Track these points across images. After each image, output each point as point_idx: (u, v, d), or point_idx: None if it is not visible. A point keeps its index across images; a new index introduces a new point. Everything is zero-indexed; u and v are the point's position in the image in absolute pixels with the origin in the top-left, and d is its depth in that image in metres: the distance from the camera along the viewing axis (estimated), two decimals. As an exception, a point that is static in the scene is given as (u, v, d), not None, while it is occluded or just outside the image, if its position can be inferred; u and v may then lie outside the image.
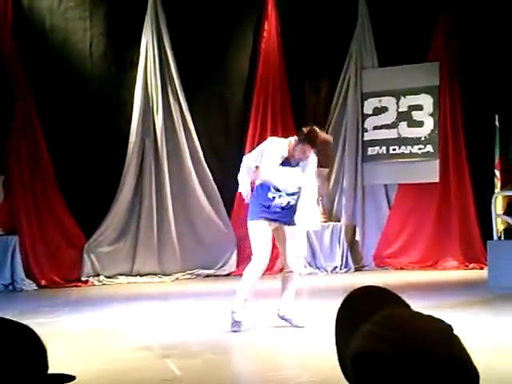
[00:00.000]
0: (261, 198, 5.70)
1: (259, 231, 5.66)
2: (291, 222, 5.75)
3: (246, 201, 5.92)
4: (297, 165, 5.73)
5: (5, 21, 9.59)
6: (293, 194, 5.69)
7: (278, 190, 5.66)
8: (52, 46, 9.91)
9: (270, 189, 5.67)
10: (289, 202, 5.68)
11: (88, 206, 9.87)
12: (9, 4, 9.60)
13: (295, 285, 6.02)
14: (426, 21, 10.61)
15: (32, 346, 1.05)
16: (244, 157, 6.08)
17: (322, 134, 5.83)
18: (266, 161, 5.66)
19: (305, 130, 5.75)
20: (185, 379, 4.67)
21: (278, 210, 5.67)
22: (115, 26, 10.17)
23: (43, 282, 9.65)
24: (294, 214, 5.75)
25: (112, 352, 5.32)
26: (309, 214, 5.87)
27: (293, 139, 5.79)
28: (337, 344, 0.98)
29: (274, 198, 5.67)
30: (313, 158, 5.74)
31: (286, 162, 5.71)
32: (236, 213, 10.72)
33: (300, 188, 5.74)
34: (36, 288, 9.52)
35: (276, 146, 5.73)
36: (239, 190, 6.05)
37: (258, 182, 5.81)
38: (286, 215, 5.72)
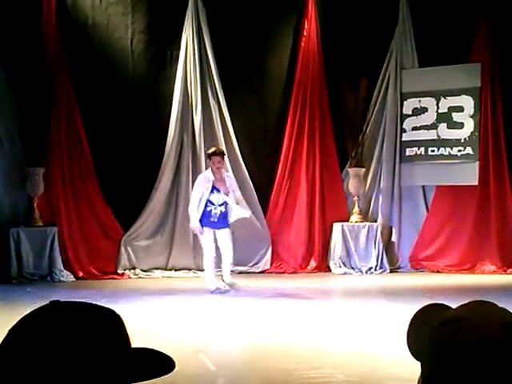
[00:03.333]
0: (205, 214, 8.28)
1: (205, 234, 8.39)
2: (224, 227, 8.38)
3: (199, 234, 8.48)
4: (218, 190, 8.27)
5: (49, 17, 9.77)
6: (221, 205, 8.31)
7: (212, 204, 8.31)
8: (94, 42, 10.06)
9: (207, 204, 8.30)
10: (221, 211, 8.31)
11: (126, 200, 10.00)
12: (53, 1, 9.77)
13: (229, 260, 8.46)
14: (467, 21, 10.47)
15: (118, 331, 1.08)
16: (190, 205, 8.49)
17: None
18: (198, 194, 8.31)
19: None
20: (219, 374, 4.71)
21: (216, 219, 8.30)
22: (156, 23, 10.27)
23: (81, 274, 9.81)
24: (227, 219, 8.36)
25: (146, 345, 5.38)
26: (236, 210, 8.44)
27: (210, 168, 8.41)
28: (408, 336, 1.12)
29: (211, 210, 8.30)
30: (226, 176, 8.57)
31: (213, 187, 8.28)
32: (271, 211, 10.75)
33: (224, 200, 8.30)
34: (73, 279, 9.68)
35: (201, 179, 8.44)
36: (191, 226, 8.53)
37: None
38: (222, 222, 8.34)
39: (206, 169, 10.33)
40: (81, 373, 1.03)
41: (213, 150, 8.52)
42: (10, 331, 1.08)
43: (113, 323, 1.09)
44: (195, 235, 10.28)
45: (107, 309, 1.11)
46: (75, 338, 1.04)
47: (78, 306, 1.09)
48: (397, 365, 4.83)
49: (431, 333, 0.99)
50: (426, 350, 1.00)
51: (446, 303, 1.32)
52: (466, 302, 1.05)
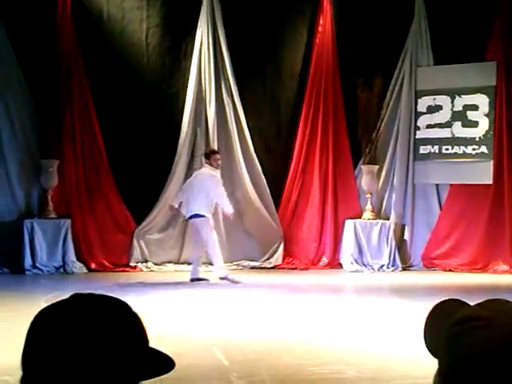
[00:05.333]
0: None
1: (212, 224, 9.04)
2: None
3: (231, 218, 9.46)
4: None
5: (64, 11, 9.81)
6: None
7: None
8: (109, 36, 10.10)
9: None
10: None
11: (139, 193, 10.05)
12: (68, -6, 9.82)
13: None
14: (483, 19, 10.40)
15: (131, 322, 1.10)
16: (224, 194, 9.08)
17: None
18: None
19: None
20: (231, 369, 4.73)
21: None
22: (171, 17, 10.29)
23: (93, 266, 9.87)
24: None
25: (158, 338, 5.41)
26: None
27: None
28: (426, 332, 1.13)
29: None
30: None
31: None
32: (284, 207, 10.75)
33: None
34: (86, 271, 9.75)
35: (218, 174, 9.14)
36: (231, 210, 9.17)
37: None
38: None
39: (220, 164, 10.40)
40: (100, 366, 1.05)
41: (213, 148, 9.51)
42: (34, 321, 1.10)
43: (134, 319, 1.11)
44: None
45: (125, 303, 1.13)
46: (97, 332, 1.05)
47: (101, 300, 1.11)
48: (410, 363, 4.83)
49: (449, 330, 1.00)
50: (443, 347, 1.01)
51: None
52: (478, 301, 1.05)
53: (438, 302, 1.16)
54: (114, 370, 1.05)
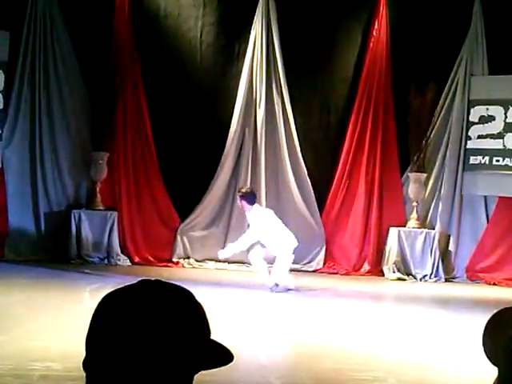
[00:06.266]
0: None
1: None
2: None
3: None
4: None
5: (122, 7, 9.96)
6: None
7: None
8: (164, 32, 10.21)
9: None
10: None
11: (185, 190, 10.14)
12: (127, -10, 9.97)
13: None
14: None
15: (196, 312, 1.12)
16: None
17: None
18: None
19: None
20: (271, 370, 4.74)
21: None
22: (227, 16, 10.35)
23: (136, 259, 10.00)
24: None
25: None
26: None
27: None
28: (485, 339, 1.13)
29: None
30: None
31: None
32: (328, 210, 10.71)
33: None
34: (129, 264, 9.88)
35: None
36: None
37: None
38: None
39: (266, 166, 10.43)
40: (162, 352, 1.06)
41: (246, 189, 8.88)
42: (101, 304, 1.11)
43: (198, 309, 1.12)
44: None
45: (190, 292, 1.14)
46: (162, 319, 1.06)
47: (168, 287, 1.12)
48: (451, 374, 4.77)
49: (509, 341, 0.99)
50: (503, 357, 1.00)
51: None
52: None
53: (500, 309, 1.14)
54: (176, 358, 1.06)
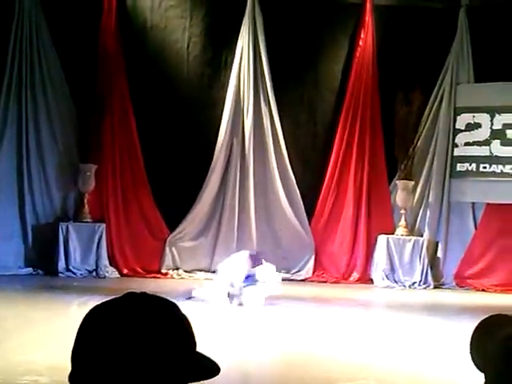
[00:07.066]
0: None
1: None
2: None
3: None
4: None
5: (109, 18, 9.97)
6: None
7: None
8: (152, 44, 10.22)
9: None
10: None
11: (174, 200, 10.12)
12: (113, 2, 9.97)
13: None
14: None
15: (181, 324, 1.11)
16: None
17: None
18: None
19: None
20: (260, 381, 4.72)
21: None
22: (213, 28, 10.38)
23: (125, 271, 9.96)
24: None
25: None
26: None
27: None
28: (473, 345, 1.13)
29: None
30: None
31: None
32: (317, 219, 10.72)
33: None
34: (118, 276, 9.83)
35: None
36: None
37: None
38: None
39: (255, 175, 10.43)
40: (147, 365, 1.06)
41: None
42: (87, 318, 1.11)
43: (183, 322, 1.12)
44: (239, 239, 10.39)
45: (176, 305, 1.14)
46: (147, 332, 1.06)
47: (153, 300, 1.12)
48: (442, 382, 4.77)
49: (497, 346, 0.99)
50: (490, 362, 1.00)
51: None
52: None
53: (487, 316, 1.15)
54: (161, 371, 1.06)
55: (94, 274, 9.70)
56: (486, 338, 1.08)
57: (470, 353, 1.13)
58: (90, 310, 1.12)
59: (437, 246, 10.89)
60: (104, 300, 1.11)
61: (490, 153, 10.71)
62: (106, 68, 9.87)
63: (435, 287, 10.50)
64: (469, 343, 1.14)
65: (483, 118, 10.74)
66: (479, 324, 1.16)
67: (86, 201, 9.87)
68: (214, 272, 10.25)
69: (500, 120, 10.65)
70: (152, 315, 1.09)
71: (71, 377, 1.10)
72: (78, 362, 1.09)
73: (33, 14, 9.68)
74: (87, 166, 9.82)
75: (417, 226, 10.94)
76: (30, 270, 9.59)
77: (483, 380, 1.05)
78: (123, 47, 10.03)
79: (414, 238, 10.62)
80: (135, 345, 1.05)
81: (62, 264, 9.59)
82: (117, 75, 10.00)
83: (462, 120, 10.86)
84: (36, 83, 9.74)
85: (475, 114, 10.79)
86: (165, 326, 1.08)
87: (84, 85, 9.75)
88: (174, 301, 1.14)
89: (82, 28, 9.76)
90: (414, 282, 10.45)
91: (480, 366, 1.08)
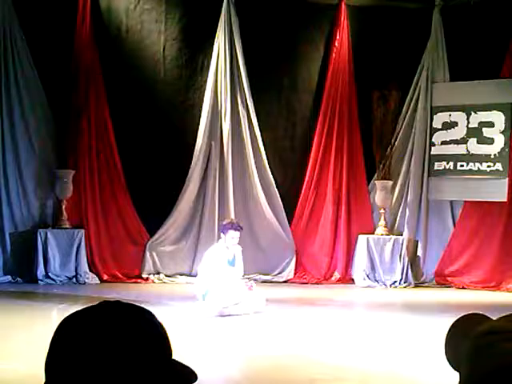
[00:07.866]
0: None
1: None
2: None
3: None
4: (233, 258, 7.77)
5: (84, 22, 9.90)
6: None
7: None
8: (127, 48, 10.17)
9: None
10: None
11: (153, 205, 10.08)
12: (87, 5, 9.91)
13: None
14: (500, 37, 10.38)
15: (156, 332, 1.10)
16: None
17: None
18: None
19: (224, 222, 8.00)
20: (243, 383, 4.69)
21: None
22: (189, 30, 10.36)
23: (105, 277, 9.89)
24: None
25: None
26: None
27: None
28: (446, 345, 1.14)
29: None
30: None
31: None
32: (297, 221, 10.74)
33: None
34: (98, 282, 9.76)
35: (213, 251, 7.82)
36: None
37: None
38: None
39: (234, 178, 10.42)
40: (122, 374, 1.04)
41: (234, 222, 7.95)
42: (60, 327, 1.09)
43: (159, 329, 1.11)
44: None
45: (151, 313, 1.12)
46: (122, 340, 1.05)
47: (128, 308, 1.11)
48: (424, 381, 4.79)
49: (470, 344, 0.99)
50: (464, 361, 1.00)
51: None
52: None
53: (460, 315, 1.15)
54: (136, 379, 1.05)
55: (74, 280, 9.62)
56: (459, 337, 1.08)
57: (445, 351, 1.14)
58: (63, 320, 1.10)
59: (416, 244, 10.96)
60: (77, 309, 1.10)
61: (467, 151, 10.80)
62: (82, 73, 9.80)
63: (416, 286, 10.56)
64: (444, 343, 1.15)
65: (459, 117, 10.84)
66: (453, 323, 1.18)
67: (64, 207, 9.79)
68: (194, 276, 10.24)
69: (476, 118, 10.75)
70: (126, 324, 1.07)
71: None
72: (51, 372, 1.08)
73: (6, 18, 9.58)
74: (65, 172, 9.74)
75: (396, 225, 11.01)
76: (8, 277, 9.49)
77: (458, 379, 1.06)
78: (99, 50, 9.97)
79: (393, 237, 10.67)
80: (109, 354, 1.04)
81: (41, 271, 9.50)
82: (93, 80, 9.93)
83: (439, 119, 10.95)
84: (11, 92, 9.63)
85: (451, 113, 10.88)
86: (139, 335, 1.07)
87: (60, 90, 9.67)
88: (149, 309, 1.12)
89: (56, 31, 9.68)
90: (395, 281, 10.51)
91: (454, 364, 1.09)
